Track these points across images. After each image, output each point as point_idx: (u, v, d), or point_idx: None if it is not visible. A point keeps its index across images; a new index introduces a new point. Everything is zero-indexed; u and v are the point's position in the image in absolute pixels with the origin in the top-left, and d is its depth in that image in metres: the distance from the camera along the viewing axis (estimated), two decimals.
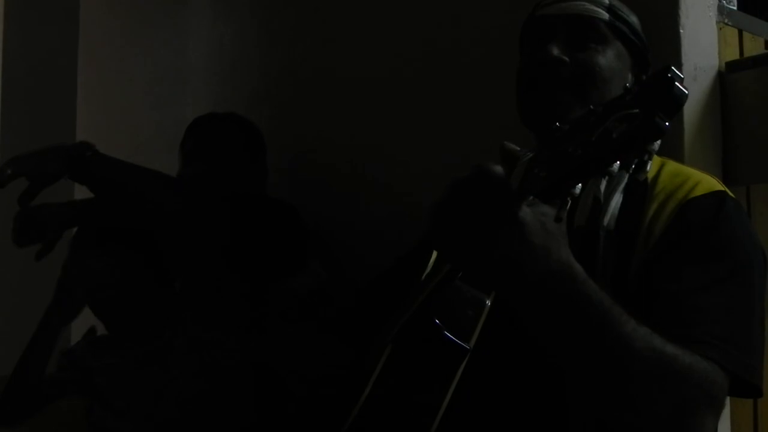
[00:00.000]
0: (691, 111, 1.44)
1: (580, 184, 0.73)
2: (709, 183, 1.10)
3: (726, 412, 1.43)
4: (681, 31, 1.44)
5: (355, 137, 2.06)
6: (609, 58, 1.17)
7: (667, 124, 0.66)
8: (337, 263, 1.90)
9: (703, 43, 1.49)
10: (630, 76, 1.21)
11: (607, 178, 1.05)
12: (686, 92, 0.67)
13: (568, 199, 0.74)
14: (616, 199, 1.09)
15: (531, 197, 0.81)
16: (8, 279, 2.65)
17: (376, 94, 2.02)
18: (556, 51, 1.15)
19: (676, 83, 0.66)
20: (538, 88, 1.17)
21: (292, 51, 2.30)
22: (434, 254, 1.13)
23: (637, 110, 0.67)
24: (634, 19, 1.24)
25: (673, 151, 1.33)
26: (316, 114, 2.19)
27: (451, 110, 1.82)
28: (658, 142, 0.71)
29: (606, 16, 1.19)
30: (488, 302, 1.01)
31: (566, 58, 1.15)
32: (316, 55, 2.22)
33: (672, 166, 1.15)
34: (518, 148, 0.86)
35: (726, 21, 1.54)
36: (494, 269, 0.86)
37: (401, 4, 1.98)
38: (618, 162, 0.70)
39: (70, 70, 2.71)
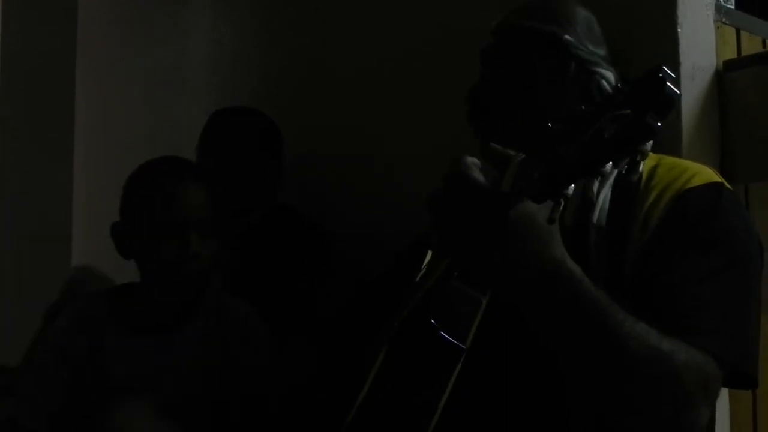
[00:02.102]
0: (689, 110, 1.44)
1: (573, 185, 0.73)
2: (706, 174, 1.10)
3: (725, 407, 1.43)
4: (679, 30, 1.44)
5: (355, 137, 2.06)
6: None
7: (659, 124, 0.66)
8: (350, 264, 1.92)
9: (701, 42, 1.49)
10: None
11: (599, 178, 1.06)
12: (678, 92, 0.66)
13: (561, 200, 0.74)
14: (605, 194, 1.09)
15: (523, 198, 0.81)
16: (8, 277, 2.65)
17: (377, 93, 2.02)
18: None
19: (668, 83, 0.66)
20: None
21: (292, 51, 2.30)
22: (429, 254, 1.13)
23: (629, 111, 0.67)
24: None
25: (671, 150, 1.33)
26: (315, 114, 2.19)
27: (453, 110, 1.81)
28: (651, 141, 0.71)
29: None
30: (484, 301, 1.01)
31: None
32: (316, 55, 2.22)
33: (669, 159, 1.15)
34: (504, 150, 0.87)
35: (724, 20, 1.54)
36: (487, 268, 0.87)
37: (401, 4, 1.98)
38: (610, 162, 0.70)
39: (68, 70, 2.71)
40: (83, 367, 1.52)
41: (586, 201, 1.07)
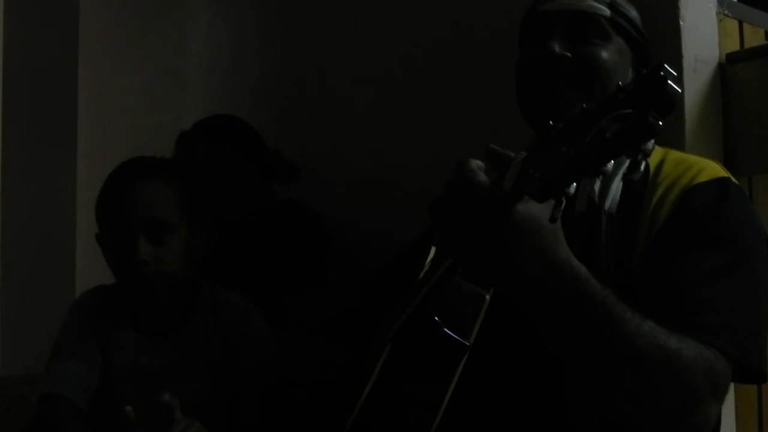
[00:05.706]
0: (692, 103, 1.44)
1: (574, 184, 0.72)
2: (713, 169, 1.10)
3: (730, 399, 1.43)
4: (681, 23, 1.43)
5: (355, 137, 2.06)
6: (611, 52, 1.17)
7: (660, 123, 0.65)
8: (350, 266, 1.91)
9: (704, 34, 1.48)
10: (631, 71, 1.20)
11: (601, 177, 1.05)
12: (679, 91, 0.65)
13: (563, 198, 0.74)
14: (617, 184, 1.08)
15: (525, 198, 0.80)
16: (13, 277, 2.66)
17: (376, 93, 2.02)
18: (557, 47, 1.15)
19: (669, 81, 0.65)
20: (540, 82, 1.16)
21: (292, 51, 2.30)
22: (432, 251, 1.13)
23: (630, 110, 0.66)
24: (634, 14, 1.23)
25: (674, 142, 1.33)
26: (315, 114, 2.19)
27: (452, 109, 1.81)
28: (652, 141, 0.70)
29: (607, 12, 1.18)
30: (487, 297, 1.01)
31: (568, 54, 1.15)
32: (316, 55, 2.22)
33: (675, 154, 1.15)
34: (504, 151, 0.87)
35: (726, 12, 1.54)
36: (492, 269, 0.87)
37: (401, 5, 1.98)
38: (612, 162, 0.69)
39: (70, 71, 2.72)
40: (95, 360, 1.51)
41: (592, 202, 1.06)
